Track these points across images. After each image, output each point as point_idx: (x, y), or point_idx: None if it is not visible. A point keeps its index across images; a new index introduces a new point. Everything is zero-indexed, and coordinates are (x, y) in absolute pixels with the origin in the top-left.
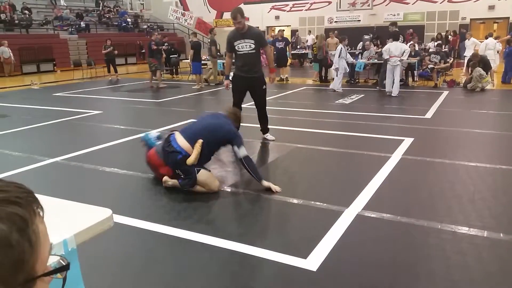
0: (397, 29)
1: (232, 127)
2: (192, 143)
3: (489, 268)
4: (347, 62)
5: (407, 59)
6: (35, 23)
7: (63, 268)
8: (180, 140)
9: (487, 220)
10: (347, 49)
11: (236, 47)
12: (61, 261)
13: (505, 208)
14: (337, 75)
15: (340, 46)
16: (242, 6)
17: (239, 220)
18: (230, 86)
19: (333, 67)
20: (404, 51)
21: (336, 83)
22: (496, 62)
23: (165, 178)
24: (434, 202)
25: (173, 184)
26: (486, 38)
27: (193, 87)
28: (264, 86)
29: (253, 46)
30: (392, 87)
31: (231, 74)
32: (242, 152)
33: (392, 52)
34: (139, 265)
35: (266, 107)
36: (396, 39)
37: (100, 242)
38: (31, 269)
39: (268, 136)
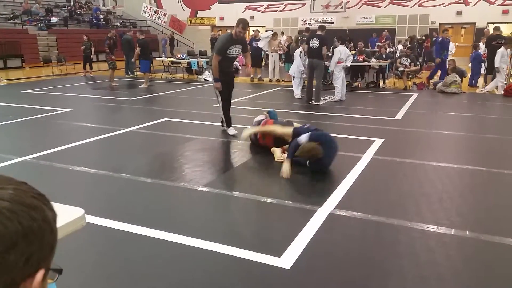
0: (321, 33)
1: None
2: None
3: (456, 264)
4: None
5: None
6: (2, 17)
7: (58, 271)
8: None
9: (454, 218)
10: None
11: (228, 51)
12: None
13: (471, 207)
14: (293, 79)
15: (299, 49)
16: (216, 5)
17: (213, 220)
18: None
19: (290, 71)
20: (348, 56)
21: (294, 88)
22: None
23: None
24: (403, 201)
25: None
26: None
27: (140, 86)
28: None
29: (240, 51)
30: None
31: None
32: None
33: (342, 58)
34: (112, 265)
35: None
36: (343, 42)
37: (72, 242)
38: (51, 259)
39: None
